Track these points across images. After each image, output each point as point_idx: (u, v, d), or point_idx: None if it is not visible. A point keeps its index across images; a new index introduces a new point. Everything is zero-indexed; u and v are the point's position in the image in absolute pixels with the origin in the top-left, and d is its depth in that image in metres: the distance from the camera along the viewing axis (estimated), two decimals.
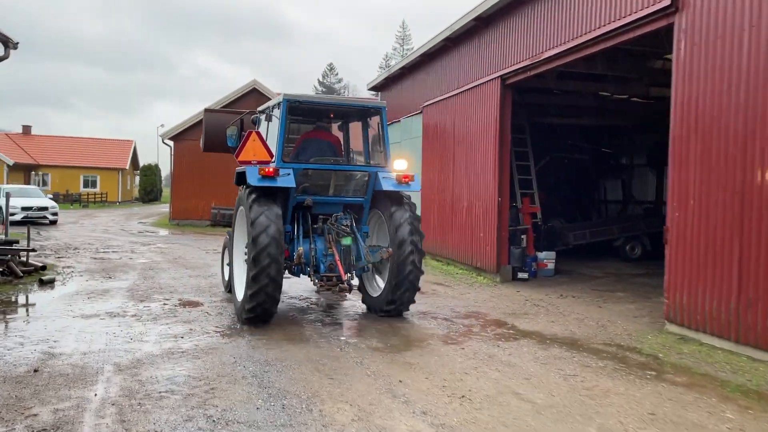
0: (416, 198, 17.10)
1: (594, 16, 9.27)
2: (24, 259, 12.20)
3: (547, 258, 13.17)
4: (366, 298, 9.21)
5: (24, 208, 26.39)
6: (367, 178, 8.59)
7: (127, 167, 58.48)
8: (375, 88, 21.81)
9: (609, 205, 19.78)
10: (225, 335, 7.38)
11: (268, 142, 8.27)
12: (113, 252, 16.32)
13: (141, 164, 63.62)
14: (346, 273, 8.19)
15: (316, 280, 8.21)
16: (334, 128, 9.98)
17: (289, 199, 8.32)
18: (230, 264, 9.41)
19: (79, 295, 9.83)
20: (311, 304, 9.79)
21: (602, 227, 15.81)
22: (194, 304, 9.25)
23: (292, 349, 6.80)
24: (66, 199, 50.22)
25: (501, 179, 12.27)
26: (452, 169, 14.55)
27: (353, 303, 9.82)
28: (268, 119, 8.94)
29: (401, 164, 8.74)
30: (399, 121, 18.97)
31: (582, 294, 11.00)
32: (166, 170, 67.98)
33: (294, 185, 7.97)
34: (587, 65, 11.28)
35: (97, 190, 55.93)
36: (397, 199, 8.51)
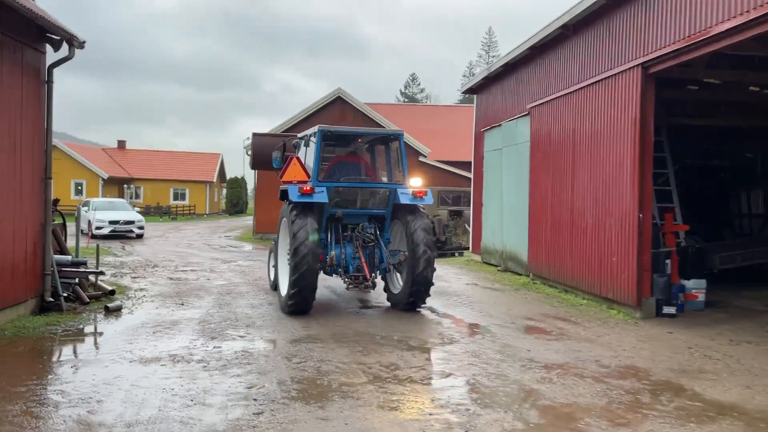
0: (521, 213, 14.95)
1: None
2: (94, 280, 11.13)
3: (697, 288, 10.67)
4: (389, 296, 10.68)
5: (111, 222, 26.32)
6: (388, 194, 10.27)
7: (215, 180, 59.41)
8: (470, 91, 19.84)
9: (753, 220, 16.72)
10: (309, 396, 5.64)
11: (306, 164, 10.10)
12: (191, 271, 15.20)
13: (228, 177, 64.57)
14: (370, 273, 10.01)
15: (346, 279, 10.08)
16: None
17: (323, 212, 10.00)
18: (275, 266, 11.12)
19: (145, 328, 8.46)
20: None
21: (758, 247, 13.01)
22: (272, 346, 7.61)
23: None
24: (156, 211, 51.34)
25: (642, 191, 9.95)
26: (571, 179, 12.32)
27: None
28: (306, 145, 10.71)
29: (416, 181, 10.43)
30: (499, 125, 16.89)
31: (760, 339, 8.50)
32: (251, 183, 69.08)
33: (327, 201, 9.74)
34: (762, 45, 8.82)
35: (186, 202, 57.04)
36: (412, 210, 10.15)
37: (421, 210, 10.30)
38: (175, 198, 57.68)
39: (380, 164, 11.42)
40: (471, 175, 30.12)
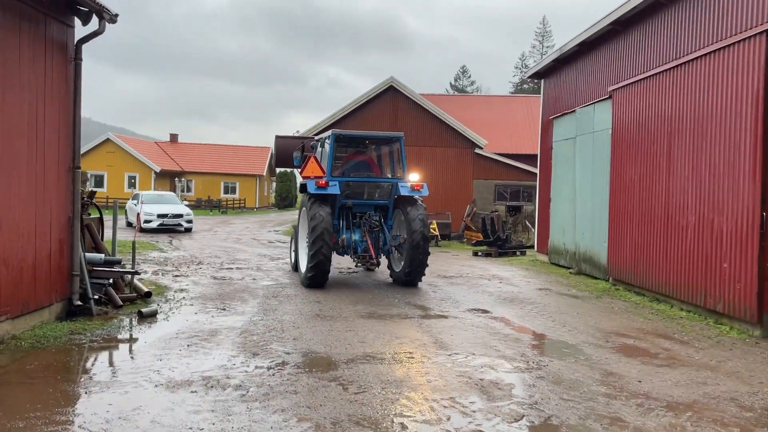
0: (599, 210, 13.30)
1: None
2: (129, 279, 10.18)
3: None
4: (392, 273, 12.52)
5: (159, 215, 25.82)
6: (390, 187, 12.03)
7: (264, 174, 59.14)
8: (537, 76, 18.16)
9: None
10: None
11: (321, 162, 11.91)
12: (237, 269, 14.20)
13: (277, 171, 64.28)
14: (375, 253, 12.07)
15: (355, 259, 12.70)
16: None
17: (336, 202, 11.80)
18: (296, 250, 12.94)
19: (179, 338, 7.37)
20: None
21: None
22: (323, 366, 6.38)
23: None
24: (207, 205, 51.34)
25: (766, 184, 8.25)
26: (666, 170, 10.64)
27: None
28: (322, 146, 12.62)
29: (414, 176, 11.98)
30: (572, 111, 15.21)
31: None
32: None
33: (339, 192, 11.53)
34: None
35: (236, 196, 56.96)
36: (411, 201, 11.75)
37: (419, 201, 11.94)
38: (226, 191, 57.71)
39: (385, 162, 13.21)
40: (533, 168, 28.43)
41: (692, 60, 9.91)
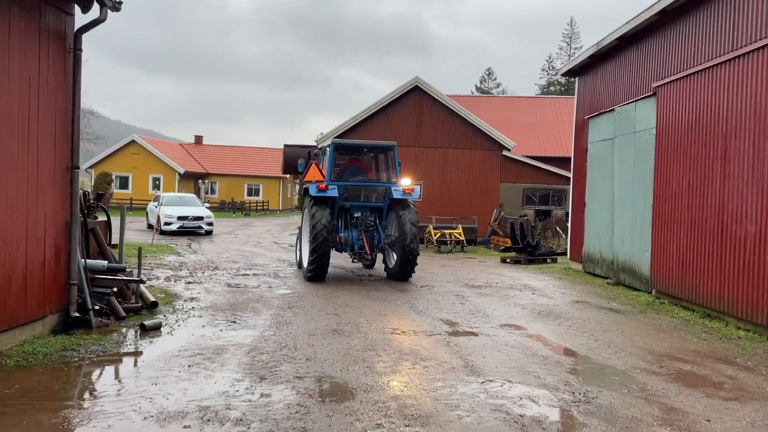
0: (640, 216, 12.32)
1: None
2: (135, 288, 9.54)
3: None
4: (386, 268, 13.67)
5: (180, 218, 25.37)
6: (384, 190, 13.11)
7: (288, 176, 58.73)
8: (571, 73, 17.18)
9: None
10: None
11: (322, 169, 13.03)
12: (254, 275, 13.51)
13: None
14: (370, 250, 13.29)
15: (352, 255, 13.99)
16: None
17: (335, 204, 12.84)
18: (300, 249, 14.09)
19: (181, 357, 6.66)
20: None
21: None
22: (339, 395, 5.59)
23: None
24: (231, 207, 51.10)
25: None
26: (721, 174, 9.64)
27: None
28: (323, 154, 13.70)
29: (406, 181, 13.08)
30: (611, 110, 14.22)
31: None
32: None
33: (338, 195, 12.56)
34: None
35: (260, 198, 56.67)
36: (404, 204, 12.88)
37: (411, 204, 13.01)
38: (249, 194, 57.47)
39: (380, 168, 14.16)
40: (563, 171, 27.35)
41: (754, 51, 8.91)
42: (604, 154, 14.66)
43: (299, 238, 14.43)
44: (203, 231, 25.94)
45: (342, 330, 8.21)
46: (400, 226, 12.60)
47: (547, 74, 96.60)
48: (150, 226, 26.91)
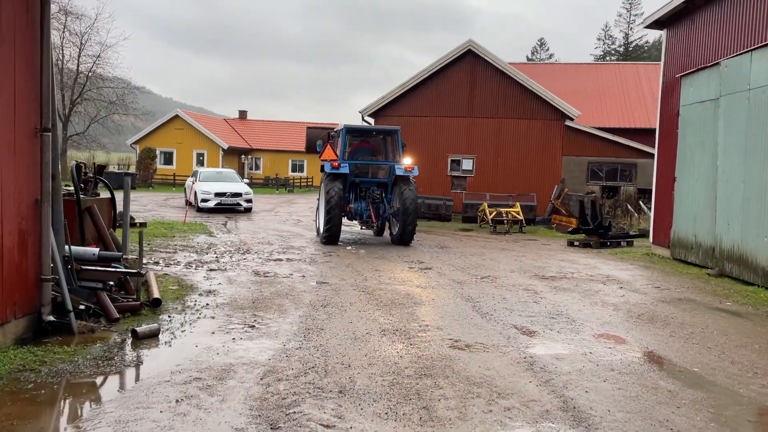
0: (755, 192, 9.93)
1: None
2: (143, 278, 7.89)
3: None
4: (391, 235, 15.75)
5: (217, 194, 23.93)
6: (389, 168, 15.15)
7: None
8: (657, 24, 14.56)
9: None
10: None
11: (337, 149, 15.22)
12: (287, 260, 11.80)
13: None
14: (376, 219, 15.45)
15: (360, 223, 16.34)
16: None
17: (347, 179, 14.91)
18: (317, 219, 16.11)
19: (171, 385, 4.91)
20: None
21: None
22: None
23: None
24: (275, 183, 49.92)
25: None
26: None
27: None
28: (338, 136, 15.81)
29: (407, 161, 15.02)
30: (716, 64, 11.71)
31: None
32: None
33: (348, 172, 14.73)
34: None
35: (304, 174, 55.30)
36: (406, 180, 14.73)
37: (411, 181, 14.68)
38: (293, 170, 56.17)
39: (387, 149, 15.95)
40: (634, 143, 24.64)
41: None
42: (702, 118, 12.20)
43: (318, 208, 16.01)
44: (242, 208, 24.47)
45: (387, 342, 6.34)
46: (401, 198, 14.37)
47: (603, 43, 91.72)
48: (188, 203, 25.66)
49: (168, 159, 50.36)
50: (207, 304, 7.78)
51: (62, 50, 49.87)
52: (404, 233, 14.62)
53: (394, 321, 7.19)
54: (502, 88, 24.66)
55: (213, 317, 7.17)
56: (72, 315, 6.23)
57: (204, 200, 23.73)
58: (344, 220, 15.39)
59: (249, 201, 24.71)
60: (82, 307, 6.52)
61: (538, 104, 24.43)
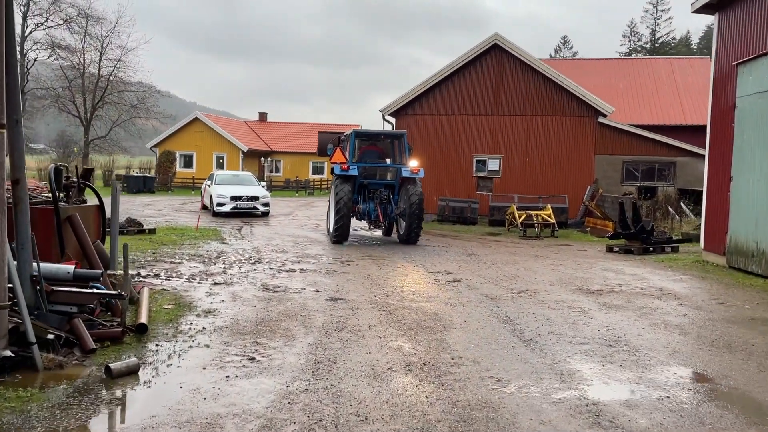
0: None
1: None
2: (131, 297, 6.85)
3: None
4: (398, 235, 16.21)
5: (233, 198, 23.01)
6: (396, 170, 15.69)
7: None
8: (707, 8, 13.15)
9: None
10: None
11: (346, 153, 15.87)
12: (301, 271, 10.73)
13: None
14: (384, 219, 15.92)
15: (368, 223, 16.87)
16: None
17: (355, 181, 15.47)
18: (328, 219, 16.70)
19: None
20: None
21: None
22: None
23: None
24: (295, 185, 49.09)
25: None
26: None
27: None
28: (347, 140, 16.42)
29: (414, 163, 15.58)
30: (764, 55, 10.34)
31: None
32: None
33: (357, 174, 15.30)
34: None
35: (324, 176, 54.40)
36: (412, 181, 15.28)
37: (417, 182, 15.29)
38: (314, 172, 55.32)
39: (395, 152, 16.49)
40: (674, 141, 23.12)
41: None
42: (763, 110, 10.83)
43: (328, 209, 16.58)
44: (259, 212, 23.52)
45: (413, 381, 5.19)
46: (408, 200, 14.93)
47: (629, 40, 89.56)
48: (204, 207, 24.82)
49: (188, 162, 49.83)
50: (203, 328, 6.72)
51: (83, 54, 49.88)
52: (410, 233, 15.19)
53: (420, 351, 6.05)
54: (531, 84, 23.35)
55: (208, 345, 6.10)
56: (35, 348, 5.20)
57: (219, 204, 22.83)
58: (353, 220, 15.89)
59: (266, 205, 23.77)
60: (51, 336, 5.50)
61: (568, 100, 23.07)
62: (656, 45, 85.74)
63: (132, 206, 25.02)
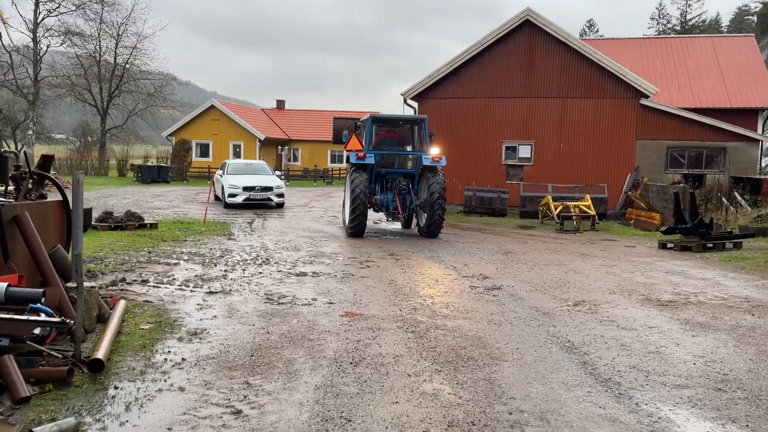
0: None
1: None
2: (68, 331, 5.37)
3: None
4: (418, 228, 15.30)
5: (246, 188, 21.55)
6: (415, 158, 14.75)
7: None
8: None
9: None
10: None
11: (362, 139, 14.83)
12: (313, 275, 9.21)
13: None
14: (402, 211, 14.82)
15: (387, 215, 15.52)
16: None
17: (372, 170, 14.60)
18: (343, 211, 15.89)
19: None
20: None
21: None
22: None
23: None
24: (313, 174, 47.68)
25: None
26: None
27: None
28: (363, 126, 15.37)
29: (435, 150, 14.44)
30: None
31: None
32: None
33: (374, 162, 14.42)
34: None
35: (343, 165, 52.86)
36: (433, 170, 14.38)
37: (439, 171, 14.50)
38: (333, 160, 53.81)
39: (414, 138, 15.43)
40: (724, 125, 21.06)
41: None
42: None
43: (344, 201, 15.89)
44: (273, 204, 22.05)
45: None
46: (429, 190, 14.11)
47: (657, 23, 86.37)
48: (217, 198, 23.46)
49: (204, 151, 48.61)
50: (182, 360, 5.23)
51: (99, 41, 48.79)
52: (431, 225, 14.26)
53: (465, 398, 4.49)
54: (566, 64, 21.45)
55: (182, 389, 4.61)
56: None
57: (231, 195, 21.41)
58: (370, 212, 14.91)
59: (281, 196, 22.29)
60: None
61: (607, 81, 21.15)
62: (686, 27, 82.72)
63: (141, 198, 23.74)
